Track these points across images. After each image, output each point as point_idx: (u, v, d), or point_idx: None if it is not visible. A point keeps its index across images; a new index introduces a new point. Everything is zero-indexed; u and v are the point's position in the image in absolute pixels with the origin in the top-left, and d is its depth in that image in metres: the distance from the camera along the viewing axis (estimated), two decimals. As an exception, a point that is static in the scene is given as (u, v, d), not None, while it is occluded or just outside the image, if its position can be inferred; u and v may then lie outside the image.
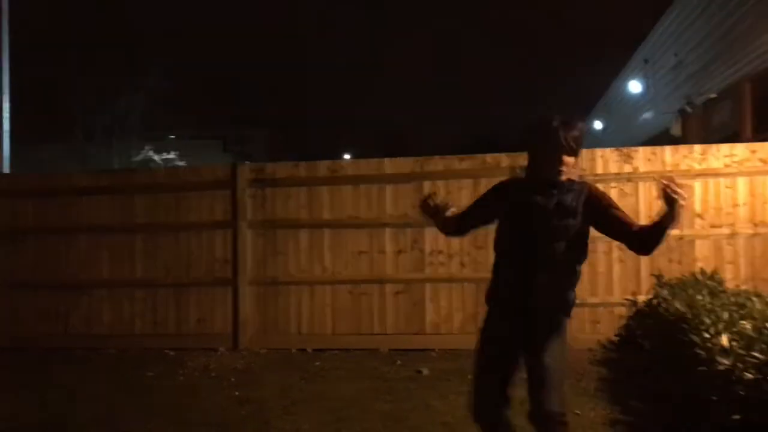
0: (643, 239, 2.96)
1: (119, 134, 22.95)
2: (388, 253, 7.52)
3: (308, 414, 5.12)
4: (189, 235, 7.83)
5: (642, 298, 6.87)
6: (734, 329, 3.77)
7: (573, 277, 3.09)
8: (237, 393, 5.82)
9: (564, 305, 3.08)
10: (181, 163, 22.33)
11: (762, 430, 2.89)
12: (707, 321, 4.14)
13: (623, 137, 19.23)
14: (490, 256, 7.98)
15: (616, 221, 3.01)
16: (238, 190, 7.72)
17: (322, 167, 7.71)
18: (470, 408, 3.17)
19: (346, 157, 19.68)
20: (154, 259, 7.88)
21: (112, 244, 7.95)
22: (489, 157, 7.47)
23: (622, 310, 7.04)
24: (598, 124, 23.45)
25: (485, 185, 7.25)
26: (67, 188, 8.09)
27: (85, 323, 7.93)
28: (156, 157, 24.03)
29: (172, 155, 24.24)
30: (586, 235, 3.06)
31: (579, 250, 3.06)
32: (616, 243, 7.51)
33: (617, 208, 3.05)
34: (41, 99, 19.61)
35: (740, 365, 3.27)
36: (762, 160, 7.08)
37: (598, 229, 3.06)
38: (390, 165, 7.62)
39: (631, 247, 3.07)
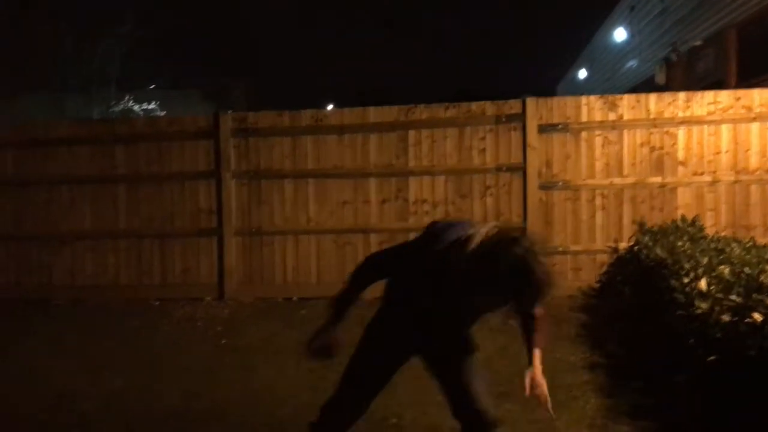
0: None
1: (98, 85, 22.48)
2: (373, 203, 7.52)
3: (293, 361, 5.16)
4: (172, 186, 7.77)
5: (623, 245, 6.97)
6: (713, 274, 3.84)
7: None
8: (223, 341, 5.88)
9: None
10: (162, 113, 21.98)
11: (736, 369, 2.97)
12: (687, 266, 4.21)
13: (607, 86, 19.19)
14: (475, 204, 8.03)
15: None
16: (222, 140, 7.64)
17: (306, 116, 7.62)
18: (328, 422, 2.70)
19: (330, 107, 19.45)
20: (137, 210, 7.83)
21: (94, 194, 7.88)
22: (474, 106, 7.41)
23: (604, 258, 7.14)
24: (582, 73, 23.33)
25: (470, 134, 7.33)
26: (47, 139, 7.96)
27: (68, 275, 7.91)
28: (136, 108, 23.63)
29: (152, 105, 23.84)
30: None
31: None
32: (598, 191, 7.53)
33: None
34: (13, 50, 19.05)
35: (717, 308, 3.34)
36: (746, 107, 7.10)
37: None
38: (374, 114, 7.55)
39: None
